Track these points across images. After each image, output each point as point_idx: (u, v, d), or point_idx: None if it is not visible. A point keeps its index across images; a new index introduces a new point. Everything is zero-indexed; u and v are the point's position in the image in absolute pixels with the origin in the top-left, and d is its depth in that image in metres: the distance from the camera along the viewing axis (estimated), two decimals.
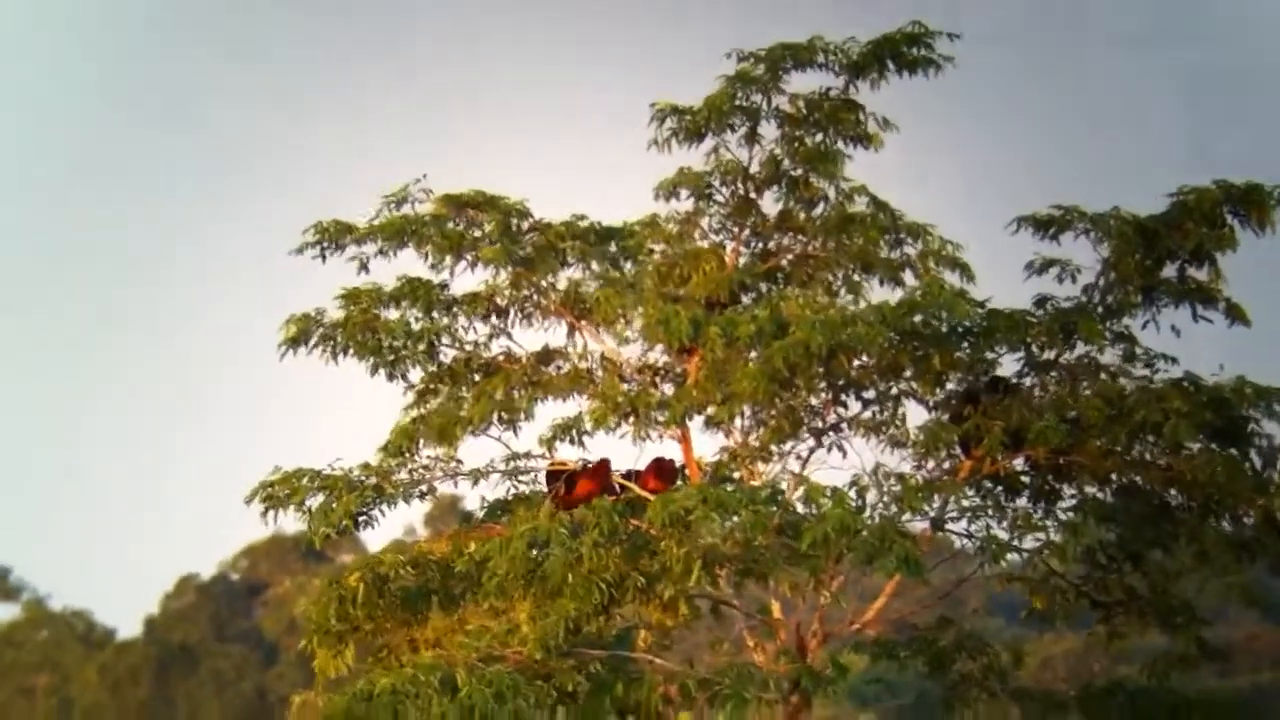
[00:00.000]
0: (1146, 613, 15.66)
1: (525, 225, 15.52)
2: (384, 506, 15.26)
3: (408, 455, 15.46)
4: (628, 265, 15.63)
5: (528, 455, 15.44)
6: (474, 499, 15.77)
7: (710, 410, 14.97)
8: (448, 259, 15.40)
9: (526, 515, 15.11)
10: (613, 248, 15.81)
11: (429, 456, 15.43)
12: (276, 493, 15.10)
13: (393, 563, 15.27)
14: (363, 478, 15.24)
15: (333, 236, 15.46)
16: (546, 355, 15.85)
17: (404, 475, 15.39)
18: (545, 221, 15.62)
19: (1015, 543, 14.72)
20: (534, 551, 13.92)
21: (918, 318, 14.38)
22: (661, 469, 15.18)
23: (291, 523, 15.49)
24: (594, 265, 15.56)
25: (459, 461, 15.42)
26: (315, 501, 15.09)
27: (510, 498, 15.77)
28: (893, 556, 13.51)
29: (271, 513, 15.11)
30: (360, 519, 15.16)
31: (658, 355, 15.82)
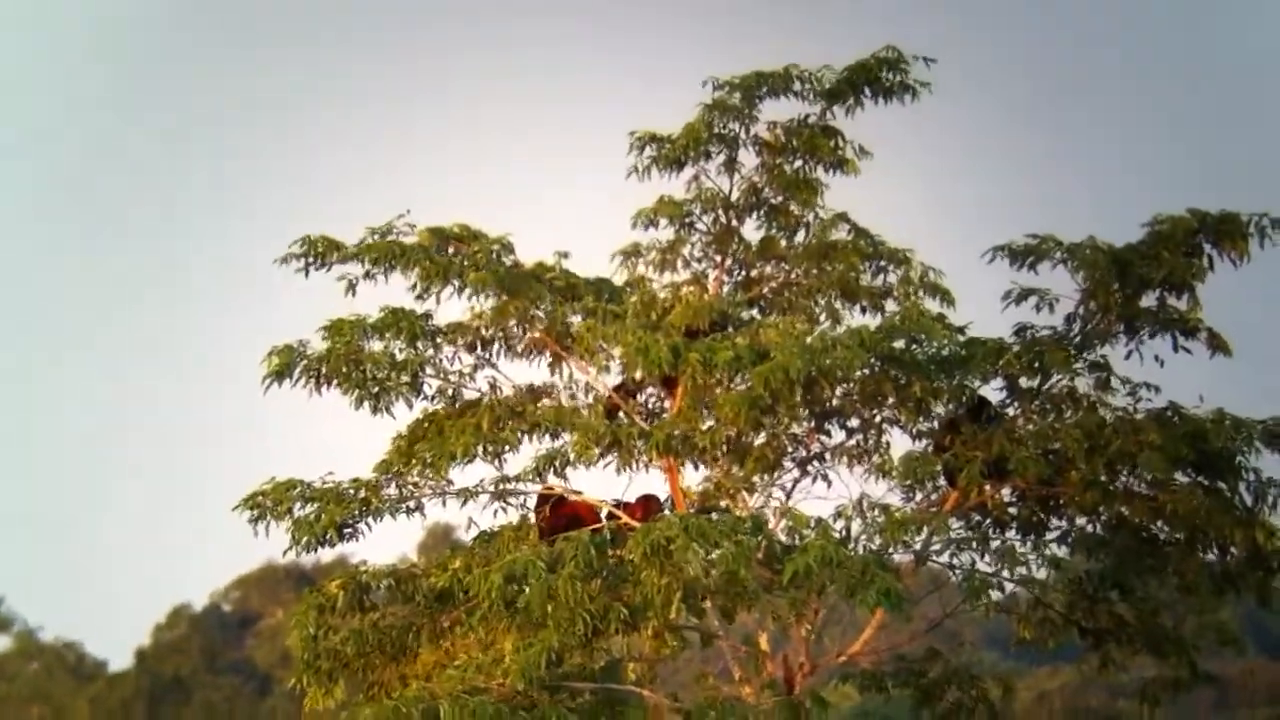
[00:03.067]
0: (1136, 640, 15.60)
1: (509, 260, 15.51)
2: (370, 520, 15.22)
3: (399, 473, 15.43)
4: (610, 300, 15.61)
5: (517, 479, 15.42)
6: (464, 520, 15.75)
7: (693, 438, 14.93)
8: (434, 285, 15.38)
9: (510, 541, 15.10)
10: (598, 287, 15.78)
11: (419, 475, 15.41)
12: (264, 503, 15.04)
13: (374, 573, 15.24)
14: (351, 490, 15.20)
15: (319, 252, 15.43)
16: (534, 392, 15.81)
17: (392, 491, 15.35)
18: (531, 265, 15.62)
19: (999, 575, 14.69)
20: (511, 585, 13.86)
21: (898, 342, 14.37)
22: (649, 506, 15.18)
23: (280, 548, 15.42)
24: (580, 299, 15.54)
25: (449, 481, 15.38)
26: (302, 512, 15.04)
27: (497, 528, 15.73)
28: (874, 590, 13.46)
29: (259, 523, 15.05)
30: (345, 531, 15.11)
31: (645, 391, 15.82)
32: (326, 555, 20.29)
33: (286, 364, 15.24)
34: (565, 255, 15.63)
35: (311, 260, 15.39)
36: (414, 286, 15.37)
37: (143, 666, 60.71)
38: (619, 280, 16.13)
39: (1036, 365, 15.00)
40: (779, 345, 14.06)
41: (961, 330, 15.09)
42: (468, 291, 15.32)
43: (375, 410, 15.38)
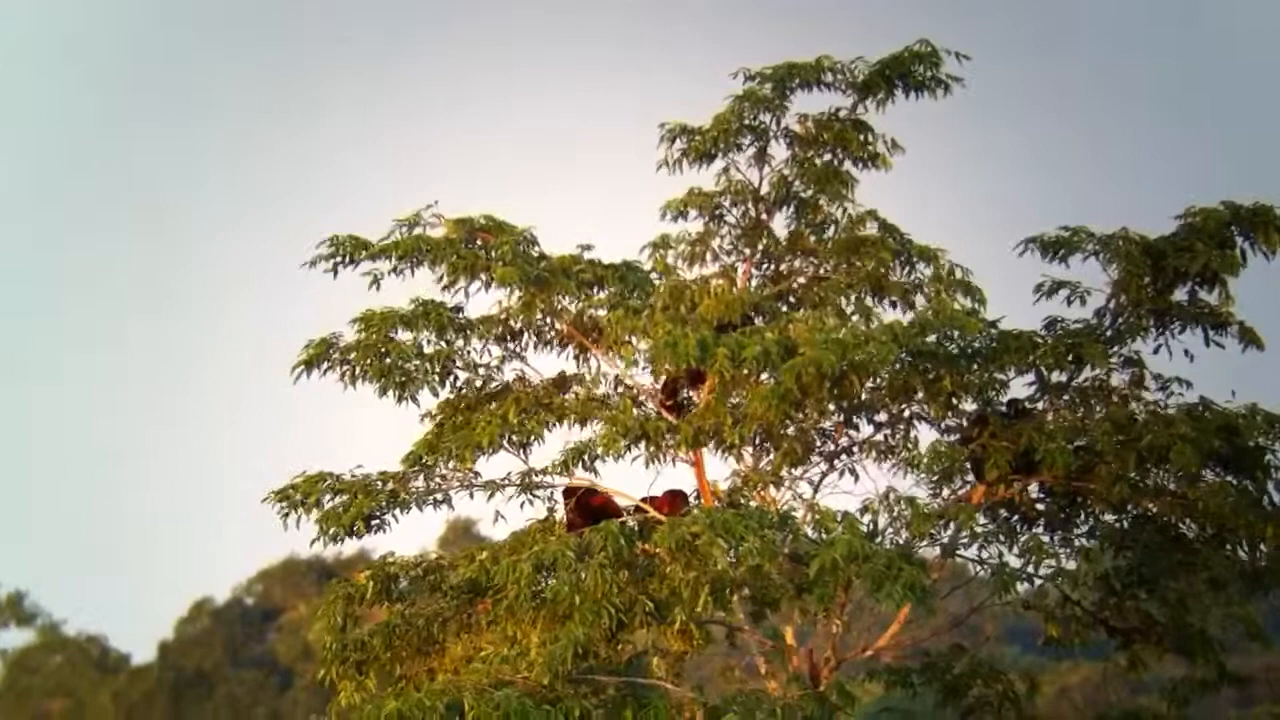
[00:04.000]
0: (1164, 640, 15.52)
1: (535, 252, 15.49)
2: (397, 512, 15.21)
3: (426, 466, 15.43)
4: (636, 293, 15.57)
5: (544, 471, 15.40)
6: (489, 514, 15.78)
7: (721, 432, 14.89)
8: (462, 279, 15.37)
9: (538, 533, 15.08)
10: (624, 275, 15.75)
11: (447, 468, 15.40)
12: (294, 495, 15.04)
13: (402, 564, 15.21)
14: (379, 483, 15.19)
15: (347, 251, 15.44)
16: (562, 381, 15.80)
17: (420, 483, 15.33)
18: (557, 258, 15.59)
19: (1027, 570, 14.62)
20: (540, 575, 13.84)
21: (930, 337, 14.29)
22: (675, 500, 15.14)
23: (303, 542, 15.44)
24: (605, 290, 15.51)
25: (476, 474, 15.36)
26: (331, 504, 15.04)
27: (524, 522, 15.72)
28: (899, 584, 13.40)
29: (289, 516, 15.07)
30: (373, 522, 15.11)
31: (666, 383, 15.76)
32: (348, 550, 20.36)
33: (320, 354, 15.27)
34: (588, 248, 15.60)
35: (340, 260, 15.40)
36: (440, 280, 15.38)
37: (165, 660, 60.86)
38: (648, 268, 16.06)
39: (1070, 359, 14.91)
40: (808, 340, 13.99)
41: (994, 324, 15.00)
42: (495, 285, 15.31)
43: (401, 399, 15.38)
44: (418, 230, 15.47)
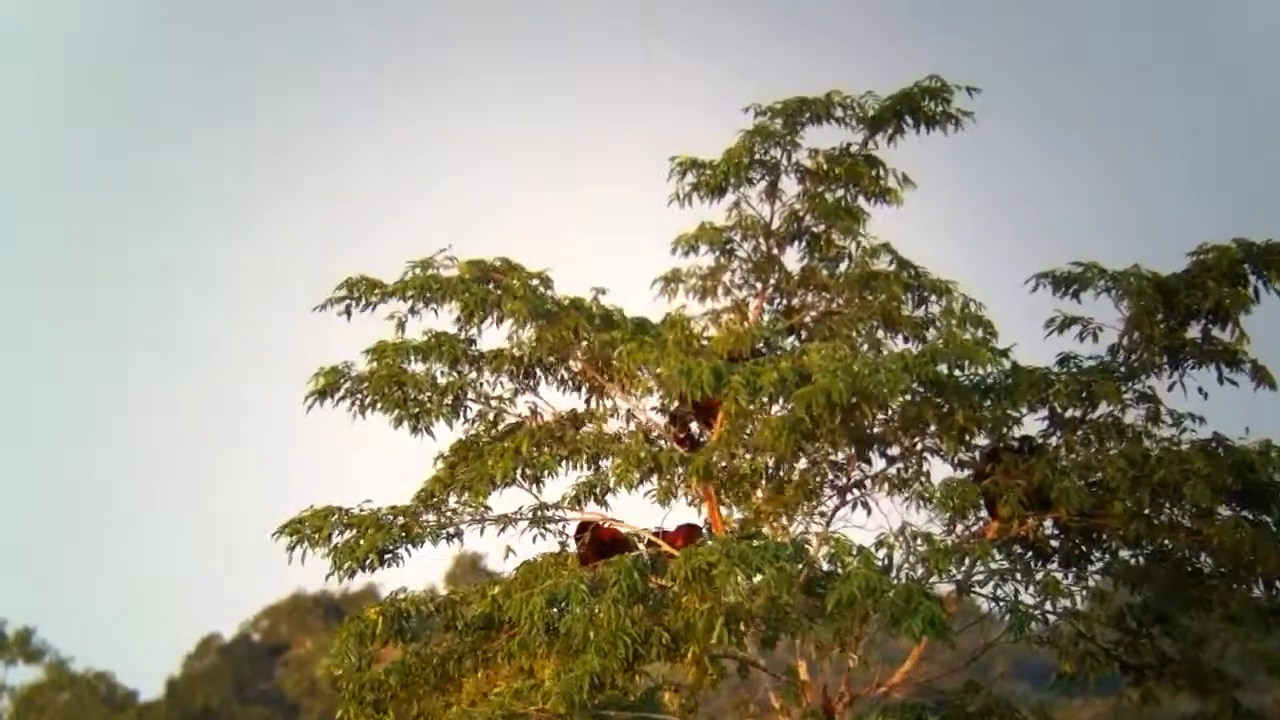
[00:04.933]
0: (1179, 676, 15.48)
1: (549, 293, 15.54)
2: (410, 547, 15.19)
3: (439, 500, 15.44)
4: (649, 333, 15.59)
5: (557, 506, 15.39)
6: (499, 548, 15.73)
7: (733, 465, 14.89)
8: (475, 316, 15.41)
9: (550, 567, 15.06)
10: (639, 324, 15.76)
11: (458, 502, 15.40)
12: (303, 529, 15.04)
13: (412, 599, 15.21)
14: (391, 517, 15.19)
15: (362, 293, 15.50)
16: (575, 418, 15.81)
17: (431, 518, 15.33)
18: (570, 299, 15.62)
19: (1043, 608, 14.59)
20: (553, 609, 13.82)
21: (941, 366, 14.29)
22: (691, 534, 15.14)
23: (314, 578, 15.42)
24: (615, 329, 15.51)
25: (487, 508, 15.36)
26: (341, 539, 15.04)
27: (537, 557, 15.70)
28: (918, 619, 13.37)
29: (296, 550, 15.05)
30: (386, 556, 15.10)
31: (678, 417, 15.78)
32: (355, 585, 20.33)
33: (332, 383, 15.30)
34: (603, 291, 15.64)
35: (354, 302, 15.46)
36: (455, 319, 15.43)
37: (173, 697, 60.77)
38: (659, 306, 16.11)
39: (1084, 395, 14.90)
40: (822, 368, 14.00)
41: (1005, 354, 15.01)
42: (508, 321, 15.35)
43: (415, 430, 15.41)
44: (431, 271, 15.53)
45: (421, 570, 15.38)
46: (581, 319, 15.35)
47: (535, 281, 15.45)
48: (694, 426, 15.71)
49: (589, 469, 15.43)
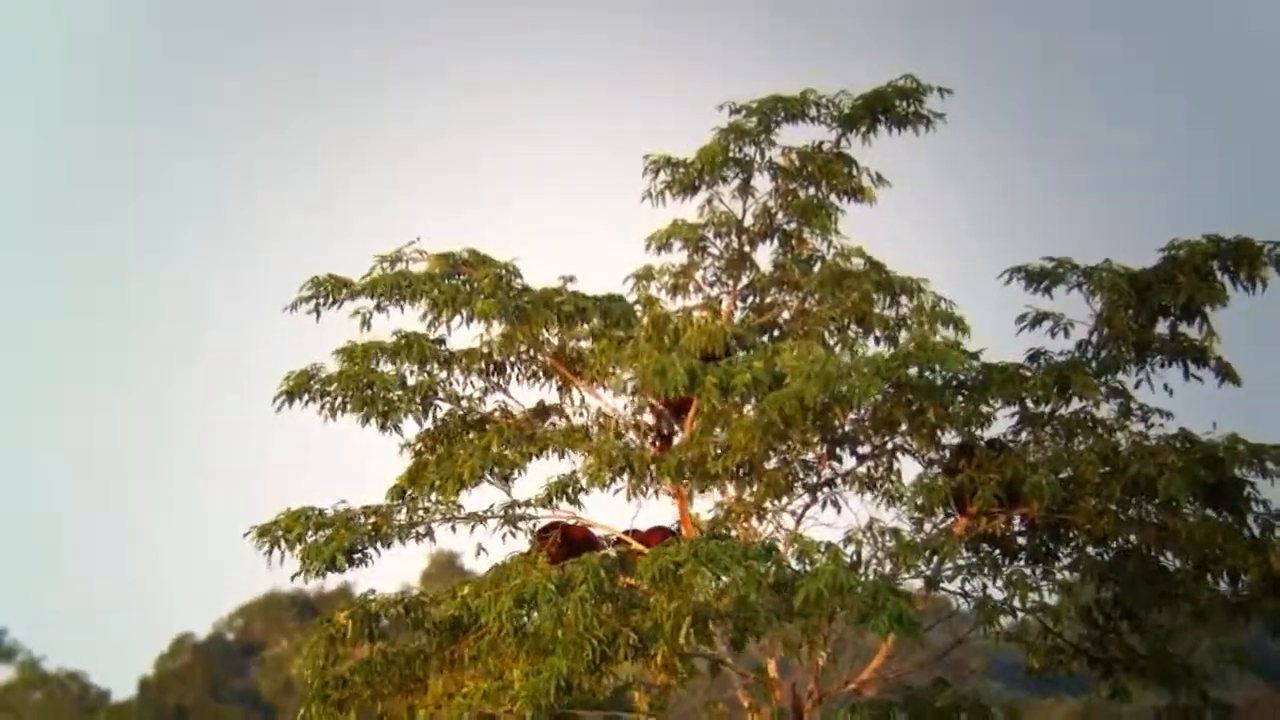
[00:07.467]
0: (1147, 671, 15.52)
1: (518, 284, 15.51)
2: (379, 546, 15.16)
3: (409, 499, 15.39)
4: (620, 325, 15.58)
5: (528, 504, 15.37)
6: (471, 546, 15.71)
7: (705, 464, 14.87)
8: (444, 314, 15.37)
9: (520, 566, 15.04)
10: (606, 308, 15.76)
11: (430, 500, 15.37)
12: (275, 531, 14.99)
13: (383, 601, 15.18)
14: (361, 517, 15.15)
15: (329, 291, 15.46)
16: (543, 411, 15.79)
17: (403, 517, 15.30)
18: (540, 291, 15.60)
19: (1011, 604, 14.61)
20: (521, 609, 13.80)
21: (912, 369, 14.31)
22: (662, 536, 15.12)
23: (284, 577, 15.39)
24: (588, 322, 15.52)
25: (459, 507, 15.33)
26: (313, 539, 14.99)
27: (507, 557, 15.68)
28: (886, 615, 13.37)
29: (272, 551, 15.00)
30: (354, 556, 15.06)
31: (650, 415, 15.78)
32: (330, 584, 20.29)
33: (302, 385, 15.26)
34: (571, 279, 15.62)
35: (321, 300, 15.42)
36: (424, 316, 15.39)
37: (146, 696, 60.54)
38: (631, 300, 16.08)
39: (1057, 389, 14.93)
40: (797, 370, 14.01)
41: (975, 356, 15.03)
42: (476, 320, 15.32)
43: (384, 428, 15.38)
44: (400, 266, 15.49)
45: (398, 569, 15.34)
46: (551, 315, 15.33)
47: (503, 273, 15.41)
48: (665, 424, 15.70)
49: (559, 464, 15.44)
